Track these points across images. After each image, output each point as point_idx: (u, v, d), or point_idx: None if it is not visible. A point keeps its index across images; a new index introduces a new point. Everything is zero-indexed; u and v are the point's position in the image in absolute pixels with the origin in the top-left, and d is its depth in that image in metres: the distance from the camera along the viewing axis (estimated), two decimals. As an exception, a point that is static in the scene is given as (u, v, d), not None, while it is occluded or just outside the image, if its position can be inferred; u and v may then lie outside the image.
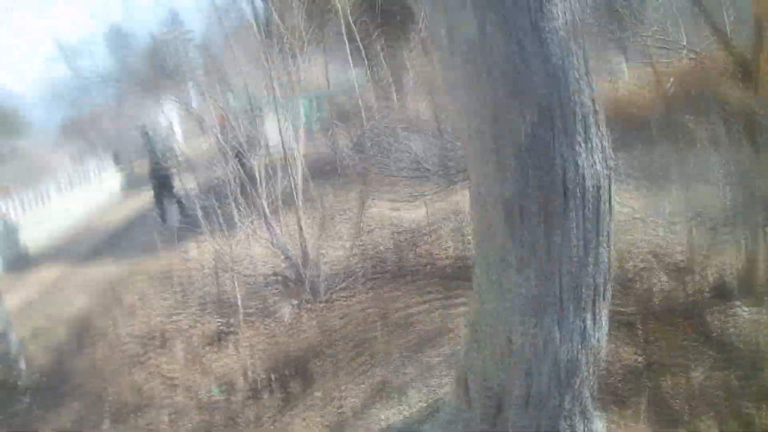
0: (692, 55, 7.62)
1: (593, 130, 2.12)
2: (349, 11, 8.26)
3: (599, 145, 2.14)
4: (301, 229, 6.25)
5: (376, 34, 9.07)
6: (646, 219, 5.54)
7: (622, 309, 6.29)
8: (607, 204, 2.22)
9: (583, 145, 2.09)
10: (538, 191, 2.11)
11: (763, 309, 6.17)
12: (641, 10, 9.97)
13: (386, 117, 7.27)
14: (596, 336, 2.41)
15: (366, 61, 9.39)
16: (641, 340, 5.67)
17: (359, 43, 8.91)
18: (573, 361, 2.35)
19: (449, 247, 7.78)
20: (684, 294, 6.72)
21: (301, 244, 6.22)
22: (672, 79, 7.12)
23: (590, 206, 2.16)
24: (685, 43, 8.50)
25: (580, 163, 2.09)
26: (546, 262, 2.23)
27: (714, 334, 5.78)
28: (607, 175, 2.18)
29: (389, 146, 6.74)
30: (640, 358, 5.30)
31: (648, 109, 6.54)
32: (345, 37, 8.56)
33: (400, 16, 9.30)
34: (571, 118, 2.07)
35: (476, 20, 2.10)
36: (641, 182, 5.75)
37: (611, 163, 2.22)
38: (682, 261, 7.17)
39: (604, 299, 2.41)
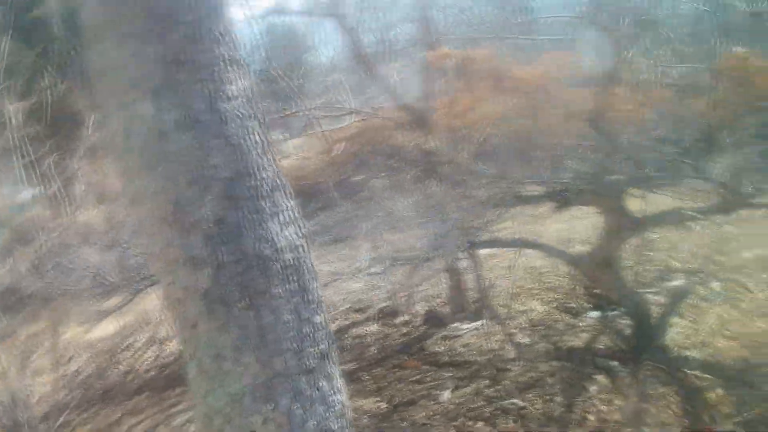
0: (362, 117, 8.62)
1: (281, 202, 2.14)
2: (22, 124, 7.58)
3: (291, 216, 2.16)
4: (4, 373, 5.89)
5: (47, 145, 8.50)
6: (344, 275, 5.94)
7: (343, 368, 6.68)
8: (310, 272, 2.24)
9: (273, 220, 2.09)
10: (236, 276, 2.04)
11: (478, 320, 7.13)
12: (303, 85, 11.00)
13: (61, 234, 6.67)
14: (339, 399, 2.41)
15: (38, 176, 8.65)
16: (376, 388, 6.05)
17: (31, 157, 8.19)
18: (326, 431, 2.29)
19: (149, 357, 7.74)
20: (399, 334, 7.43)
21: (6, 388, 5.77)
22: (343, 143, 7.92)
23: (294, 278, 2.16)
24: (352, 107, 9.56)
25: (273, 239, 2.08)
26: (263, 345, 2.15)
27: (445, 358, 6.47)
28: (303, 244, 2.21)
29: (68, 264, 6.16)
30: (383, 404, 5.61)
31: (320, 174, 7.17)
32: (13, 153, 7.73)
33: (70, 124, 8.97)
34: (257, 196, 2.06)
35: (152, 108, 2.00)
36: (331, 244, 6.21)
37: (306, 231, 2.27)
38: (386, 307, 7.96)
39: (333, 362, 2.43)
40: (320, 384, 2.32)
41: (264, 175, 2.09)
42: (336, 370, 2.44)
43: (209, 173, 1.99)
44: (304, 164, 7.70)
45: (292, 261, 2.14)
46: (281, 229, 2.11)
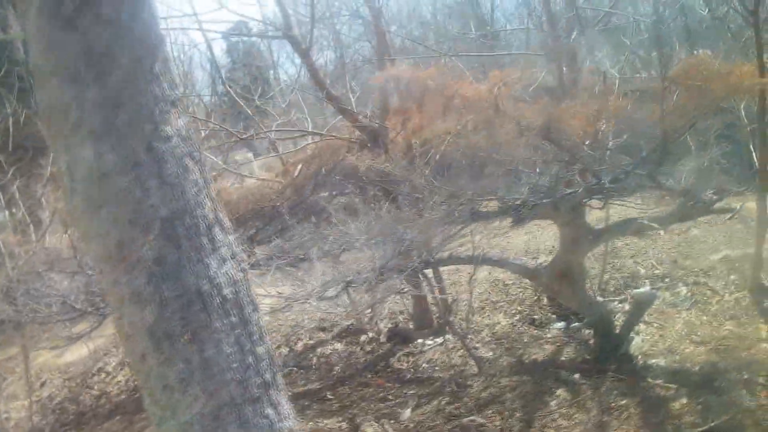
0: (317, 138, 8.70)
1: (220, 239, 2.21)
2: None
3: (229, 252, 2.24)
4: None
5: (11, 171, 8.50)
6: (306, 296, 5.97)
7: (309, 387, 6.74)
8: (250, 305, 2.32)
9: (212, 256, 2.16)
10: (179, 312, 2.11)
11: (441, 335, 7.17)
12: (261, 106, 11.08)
13: (30, 261, 6.68)
14: (286, 425, 2.46)
15: (2, 203, 8.66)
16: (338, 407, 6.08)
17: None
18: (276, 458, 2.37)
19: (119, 381, 7.77)
20: (364, 352, 7.47)
21: None
22: (300, 165, 8.00)
23: (234, 312, 2.23)
24: (310, 129, 9.65)
25: (212, 274, 2.15)
26: (208, 377, 2.22)
27: (408, 375, 6.52)
28: (242, 278, 2.28)
29: (37, 291, 6.16)
30: (344, 424, 5.65)
31: (278, 196, 7.26)
32: None
33: (32, 151, 8.97)
34: (195, 234, 2.12)
35: (93, 150, 2.06)
36: (289, 267, 6.24)
37: (245, 265, 2.34)
38: (351, 325, 8.01)
39: (279, 389, 2.48)
40: (266, 412, 2.38)
41: (201, 213, 2.16)
42: (283, 398, 2.50)
43: (148, 213, 2.05)
44: (262, 186, 7.76)
45: (231, 295, 2.21)
46: (220, 265, 2.18)
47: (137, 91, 2.11)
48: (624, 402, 5.09)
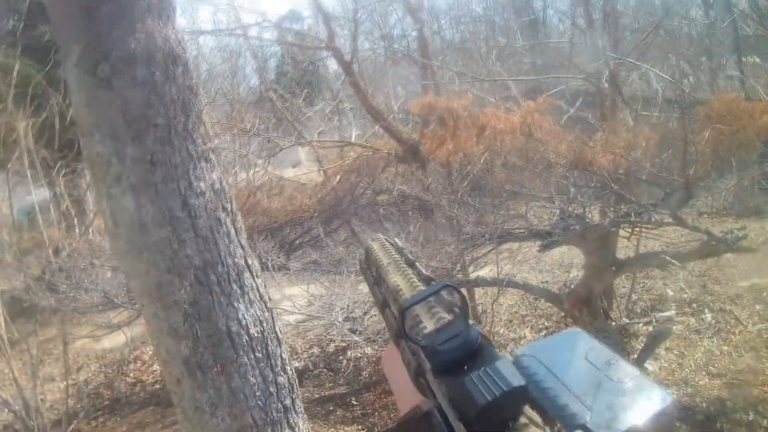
0: (359, 149, 8.91)
1: (248, 284, 2.46)
2: (33, 143, 7.98)
3: (257, 296, 2.48)
4: (15, 378, 6.04)
5: (58, 165, 8.86)
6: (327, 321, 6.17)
7: (336, 391, 6.98)
8: (274, 340, 2.57)
9: (241, 300, 2.41)
10: (210, 348, 2.37)
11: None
12: (303, 115, 11.29)
13: (73, 253, 7.05)
14: (302, 445, 2.73)
15: (49, 195, 9.03)
16: (360, 414, 6.31)
17: (41, 175, 8.58)
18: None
19: (155, 370, 8.03)
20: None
21: (19, 394, 6.01)
22: (339, 175, 8.25)
23: (259, 348, 2.48)
24: (354, 137, 9.86)
25: (240, 316, 2.40)
26: (234, 403, 2.49)
27: None
28: (268, 317, 2.53)
29: (79, 281, 6.53)
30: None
31: (317, 204, 7.49)
32: (27, 170, 8.15)
33: (78, 146, 9.21)
34: (226, 280, 2.37)
35: (133, 203, 2.27)
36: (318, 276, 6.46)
37: (270, 305, 2.58)
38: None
39: (297, 413, 2.74)
40: (285, 433, 2.64)
41: (232, 262, 2.39)
42: (300, 419, 2.76)
43: (184, 262, 2.29)
44: (302, 192, 7.99)
45: (257, 334, 2.46)
46: (248, 308, 2.43)
47: (172, 151, 2.30)
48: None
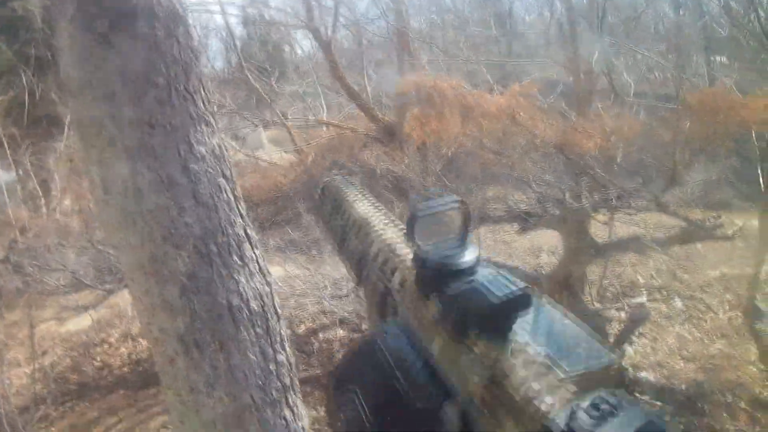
0: (333, 128, 8.77)
1: (249, 255, 2.33)
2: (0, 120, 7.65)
3: (257, 267, 2.36)
4: None
5: (25, 144, 8.54)
6: (313, 298, 6.10)
7: (310, 373, 6.90)
8: (274, 315, 2.45)
9: (241, 272, 2.28)
10: (208, 323, 2.24)
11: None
12: (278, 92, 11.07)
13: (39, 231, 6.80)
14: (300, 425, 2.63)
15: (15, 174, 8.70)
16: None
17: (7, 153, 8.26)
18: (290, 456, 2.52)
19: (123, 353, 7.87)
20: None
21: None
22: (312, 154, 8.09)
23: (259, 323, 2.36)
24: (325, 116, 9.69)
25: (241, 289, 2.28)
26: (233, 382, 2.36)
27: None
28: (268, 291, 2.41)
29: (45, 262, 6.29)
30: None
31: (291, 183, 7.34)
32: None
33: (46, 123, 8.95)
34: (227, 251, 2.24)
35: (128, 168, 2.11)
36: (295, 255, 6.34)
37: (270, 279, 2.46)
38: (352, 313, 8.11)
39: (295, 393, 2.64)
40: (284, 413, 2.54)
41: (233, 231, 2.27)
42: (298, 400, 2.66)
43: (183, 231, 2.15)
44: (275, 173, 7.85)
45: (258, 308, 2.35)
46: (248, 280, 2.31)
47: (172, 113, 2.15)
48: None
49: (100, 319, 8.15)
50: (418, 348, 1.83)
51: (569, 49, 7.54)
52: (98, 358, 8.11)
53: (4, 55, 8.77)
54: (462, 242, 1.28)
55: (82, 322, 8.26)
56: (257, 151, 12.92)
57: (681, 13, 13.59)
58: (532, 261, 9.34)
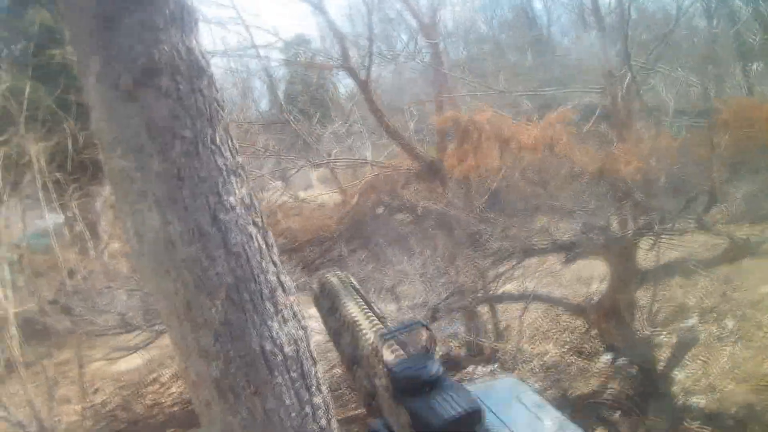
0: (377, 168, 8.83)
1: (282, 301, 2.37)
2: (45, 166, 7.97)
3: (291, 313, 2.40)
4: (30, 400, 6.05)
5: (71, 189, 8.87)
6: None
7: (359, 411, 6.84)
8: (309, 359, 2.47)
9: (274, 319, 2.32)
10: (243, 369, 2.27)
11: (492, 364, 7.15)
12: (325, 125, 11.24)
13: (87, 273, 7.01)
14: (337, 465, 2.64)
15: (63, 217, 9.03)
16: None
17: (54, 198, 8.59)
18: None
19: (173, 392, 7.94)
20: None
21: (35, 416, 5.96)
22: (357, 195, 8.16)
23: (294, 367, 2.39)
24: (369, 156, 9.77)
25: (274, 335, 2.31)
26: (269, 425, 2.38)
27: None
28: (303, 336, 2.44)
29: (94, 304, 6.47)
30: None
31: (336, 224, 7.42)
32: (40, 193, 8.15)
33: (92, 167, 9.24)
34: (259, 298, 2.28)
35: (159, 219, 2.18)
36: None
37: (305, 323, 2.49)
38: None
39: (332, 433, 2.65)
40: (319, 455, 2.54)
41: (265, 279, 2.31)
42: None
43: (214, 280, 2.20)
44: (321, 214, 7.92)
45: (292, 353, 2.37)
46: (281, 326, 2.34)
47: (199, 165, 2.20)
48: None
49: (151, 359, 8.26)
50: None
51: (603, 72, 7.48)
52: (149, 397, 8.22)
53: (44, 102, 9.12)
54: (427, 359, 1.38)
55: (133, 361, 8.39)
56: (307, 190, 13.11)
57: (714, 23, 13.27)
58: (583, 290, 9.15)
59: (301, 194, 10.33)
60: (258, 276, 2.30)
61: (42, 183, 7.75)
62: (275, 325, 2.33)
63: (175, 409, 7.51)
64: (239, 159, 2.40)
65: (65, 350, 8.38)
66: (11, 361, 6.46)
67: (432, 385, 1.25)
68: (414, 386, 1.25)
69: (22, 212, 8.66)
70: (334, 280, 2.00)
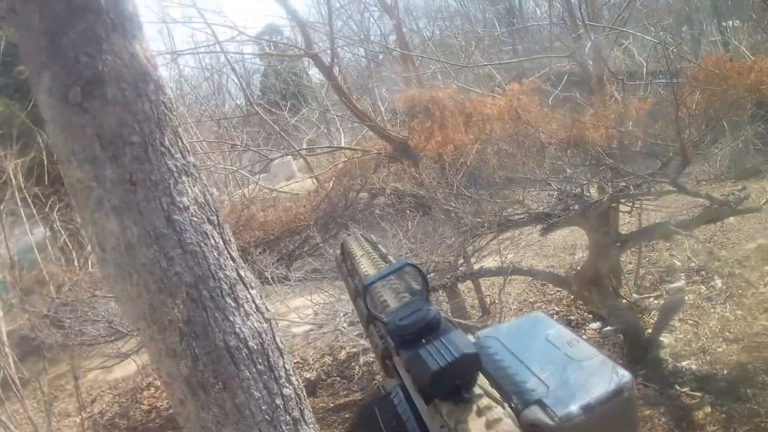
0: (349, 153, 8.84)
1: (243, 296, 2.40)
2: (22, 182, 7.97)
3: (253, 307, 2.42)
4: (29, 417, 6.14)
5: (50, 201, 8.90)
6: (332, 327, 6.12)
7: (351, 398, 6.92)
8: (276, 351, 2.50)
9: (236, 314, 2.35)
10: (210, 365, 2.30)
11: None
12: (291, 123, 11.24)
13: (75, 286, 7.03)
14: (313, 457, 2.67)
15: (45, 231, 9.06)
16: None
17: (35, 212, 8.62)
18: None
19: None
20: None
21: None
22: (331, 182, 8.19)
23: (260, 360, 2.42)
24: (343, 141, 9.79)
25: (237, 330, 2.34)
26: (241, 419, 2.42)
27: None
28: (267, 328, 2.47)
29: (84, 315, 6.50)
30: None
31: (312, 212, 7.44)
32: (21, 209, 8.16)
33: None
34: (219, 295, 2.31)
35: (117, 225, 2.23)
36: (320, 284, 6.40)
37: (268, 315, 2.52)
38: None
39: (307, 424, 2.67)
40: (294, 445, 2.57)
41: (224, 275, 2.34)
42: (311, 430, 2.69)
43: (174, 280, 2.24)
44: (296, 203, 7.94)
45: (257, 346, 2.40)
46: (244, 321, 2.37)
47: (150, 169, 2.25)
48: (648, 412, 5.09)
49: (144, 364, 8.29)
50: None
51: (570, 39, 7.48)
52: (145, 402, 8.27)
53: (17, 118, 9.11)
54: (421, 304, 1.30)
55: (128, 368, 8.44)
56: (290, 179, 13.12)
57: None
58: (568, 258, 9.20)
59: (283, 185, 10.34)
60: (216, 273, 2.32)
61: (22, 198, 7.75)
62: (237, 320, 2.35)
63: (172, 411, 7.56)
64: (191, 159, 2.43)
65: (61, 364, 8.41)
66: (8, 379, 6.51)
67: (431, 331, 1.18)
68: (409, 336, 1.18)
69: (8, 229, 8.65)
70: (351, 240, 1.98)
